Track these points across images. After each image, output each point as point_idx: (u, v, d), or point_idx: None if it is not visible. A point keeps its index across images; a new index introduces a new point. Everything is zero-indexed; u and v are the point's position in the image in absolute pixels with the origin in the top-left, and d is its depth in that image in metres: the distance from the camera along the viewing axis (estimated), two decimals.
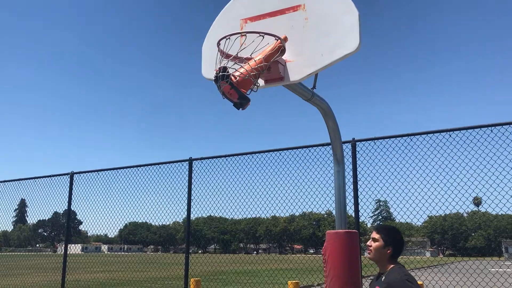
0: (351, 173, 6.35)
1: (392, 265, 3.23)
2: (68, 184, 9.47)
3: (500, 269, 30.98)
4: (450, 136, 6.06)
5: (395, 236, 3.29)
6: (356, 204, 6.16)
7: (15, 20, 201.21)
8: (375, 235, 3.34)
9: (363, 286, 5.67)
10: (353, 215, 6.31)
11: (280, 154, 7.44)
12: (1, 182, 10.89)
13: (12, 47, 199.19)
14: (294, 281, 6.50)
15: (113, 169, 8.99)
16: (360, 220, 6.35)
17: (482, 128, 5.89)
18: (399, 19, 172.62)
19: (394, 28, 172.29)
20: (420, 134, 6.22)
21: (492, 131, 5.84)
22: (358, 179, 6.31)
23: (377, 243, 3.29)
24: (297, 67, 3.61)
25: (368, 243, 3.39)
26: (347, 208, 5.33)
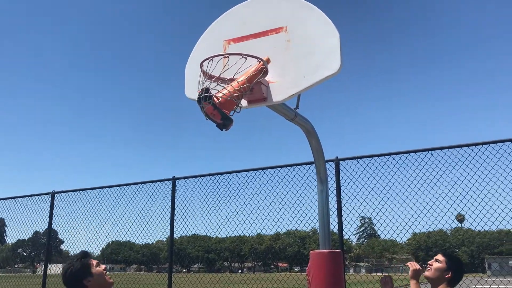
0: (334, 191, 6.38)
1: None
2: (49, 204, 9.32)
3: (483, 286, 31.12)
4: (432, 155, 6.18)
5: (458, 264, 3.44)
6: (340, 223, 6.17)
7: None
8: (440, 257, 3.49)
9: None
10: (338, 234, 6.32)
11: (264, 172, 7.46)
12: None
13: None
14: None
15: (95, 188, 8.89)
16: (344, 238, 6.37)
17: (463, 148, 6.04)
18: (380, 36, 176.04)
19: (377, 47, 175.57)
20: (403, 153, 6.33)
21: (472, 150, 5.98)
22: (342, 197, 6.34)
23: (439, 264, 3.43)
24: (280, 88, 3.65)
25: (430, 262, 3.54)
26: (331, 226, 5.35)
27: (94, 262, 2.97)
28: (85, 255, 2.98)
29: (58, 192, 9.32)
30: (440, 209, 6.45)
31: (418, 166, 6.27)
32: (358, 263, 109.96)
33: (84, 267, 2.89)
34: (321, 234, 4.55)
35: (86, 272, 2.88)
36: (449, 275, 3.34)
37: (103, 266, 2.99)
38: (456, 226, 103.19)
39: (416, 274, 3.54)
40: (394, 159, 6.30)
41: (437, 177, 6.33)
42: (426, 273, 3.46)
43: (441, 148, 6.15)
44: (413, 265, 3.60)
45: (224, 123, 3.22)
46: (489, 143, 5.88)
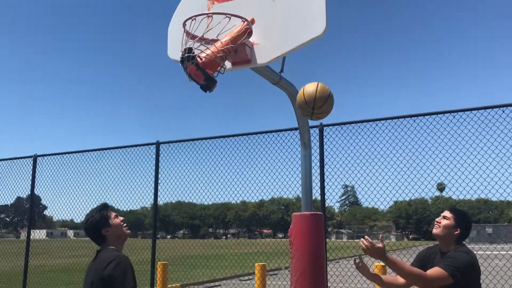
0: (318, 157, 6.43)
1: (456, 246, 3.33)
2: (31, 167, 9.22)
3: None
4: (414, 121, 6.18)
5: (466, 220, 3.40)
6: (323, 188, 6.25)
7: None
8: (447, 214, 3.43)
9: (329, 268, 5.79)
10: (320, 198, 6.40)
11: (249, 138, 7.44)
12: None
13: None
14: (261, 263, 6.58)
15: (79, 152, 8.80)
16: (326, 205, 6.46)
17: (445, 114, 6.00)
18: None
19: (364, 10, 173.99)
20: (386, 119, 6.32)
21: (454, 117, 5.97)
22: (325, 163, 6.39)
23: (447, 221, 3.38)
24: (264, 50, 3.61)
25: (438, 219, 3.47)
26: (314, 192, 5.42)
27: (113, 214, 3.20)
28: (104, 207, 3.20)
29: (40, 156, 9.22)
30: (424, 178, 6.51)
31: (402, 132, 6.28)
32: (340, 230, 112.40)
33: (103, 218, 3.12)
34: (303, 198, 4.62)
35: (105, 223, 3.12)
36: (458, 232, 3.33)
37: (121, 218, 3.22)
38: (436, 194, 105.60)
39: (376, 252, 3.13)
40: (378, 125, 6.32)
41: (418, 143, 6.35)
42: (435, 231, 3.41)
43: (423, 115, 6.14)
44: (364, 242, 3.18)
45: (208, 84, 3.19)
46: (471, 109, 5.82)
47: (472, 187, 6.11)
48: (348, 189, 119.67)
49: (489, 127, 5.80)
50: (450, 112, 5.95)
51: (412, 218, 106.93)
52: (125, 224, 3.24)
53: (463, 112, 5.86)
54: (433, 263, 3.45)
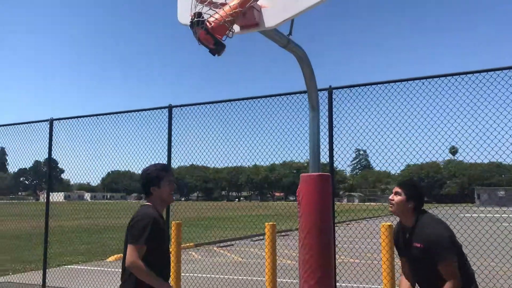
0: (327, 120, 6.49)
1: (417, 216, 3.38)
2: (48, 131, 9.44)
3: (471, 215, 32.43)
4: (430, 83, 6.05)
5: (417, 190, 3.45)
6: (331, 150, 6.36)
7: None
8: (397, 189, 3.48)
9: (337, 228, 5.99)
10: (328, 161, 6.51)
11: (259, 101, 7.48)
12: None
13: None
14: (271, 223, 6.79)
15: (94, 115, 8.96)
16: (338, 169, 6.57)
17: (460, 75, 5.84)
18: None
19: None
20: (397, 81, 6.23)
21: (470, 79, 5.79)
22: (334, 125, 6.46)
23: (399, 197, 3.43)
24: (272, 12, 3.65)
25: (390, 197, 3.52)
26: (323, 154, 5.51)
27: (168, 179, 3.38)
28: (164, 169, 3.41)
29: (56, 119, 9.42)
30: (437, 141, 6.48)
31: (409, 95, 6.22)
32: (352, 193, 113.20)
33: (157, 178, 3.33)
34: (311, 159, 4.74)
35: (156, 182, 3.33)
36: (412, 205, 3.39)
37: (172, 187, 3.42)
38: (448, 158, 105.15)
39: None
40: (387, 87, 6.30)
41: (430, 108, 6.29)
42: (390, 209, 3.46)
43: (435, 77, 5.99)
44: None
45: (217, 48, 3.26)
46: (485, 71, 5.65)
47: (484, 151, 6.04)
48: (361, 152, 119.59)
49: (505, 89, 5.67)
50: (463, 73, 5.79)
51: (423, 181, 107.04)
52: (172, 193, 3.43)
53: (478, 74, 5.70)
54: (398, 242, 3.56)
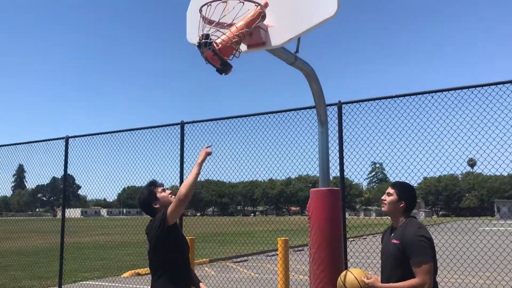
0: (337, 135, 6.50)
1: (405, 219, 3.46)
2: (64, 148, 9.64)
3: (491, 228, 31.83)
4: (446, 96, 5.97)
5: (409, 192, 3.52)
6: (342, 165, 6.36)
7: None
8: (390, 190, 3.57)
9: (349, 243, 5.97)
10: (339, 175, 6.52)
11: (274, 116, 7.51)
12: None
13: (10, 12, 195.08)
14: (283, 238, 6.80)
15: (108, 133, 9.14)
16: (355, 182, 6.54)
17: (477, 88, 5.79)
18: None
19: None
20: (410, 95, 6.18)
21: (486, 91, 5.74)
22: (344, 141, 6.48)
23: (391, 197, 3.52)
24: (278, 32, 3.73)
25: (383, 197, 3.60)
26: (333, 168, 5.52)
27: (160, 188, 3.59)
28: (151, 184, 3.61)
29: (72, 137, 9.61)
30: (452, 155, 6.38)
31: (425, 108, 6.15)
32: (369, 207, 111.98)
33: (151, 193, 3.54)
34: (321, 174, 4.78)
35: (153, 197, 3.53)
36: (403, 205, 3.45)
37: (168, 191, 3.60)
38: (467, 170, 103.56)
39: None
40: (395, 102, 6.30)
41: (446, 121, 6.16)
42: (383, 209, 3.55)
43: (450, 89, 5.94)
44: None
45: (224, 68, 3.35)
46: (502, 83, 5.61)
47: (504, 162, 5.88)
48: (377, 165, 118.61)
49: None
50: (482, 86, 5.74)
51: (441, 195, 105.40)
52: (171, 195, 3.57)
53: (495, 86, 5.65)
54: (383, 240, 3.63)
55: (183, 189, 3.23)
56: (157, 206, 3.53)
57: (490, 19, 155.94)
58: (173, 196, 3.57)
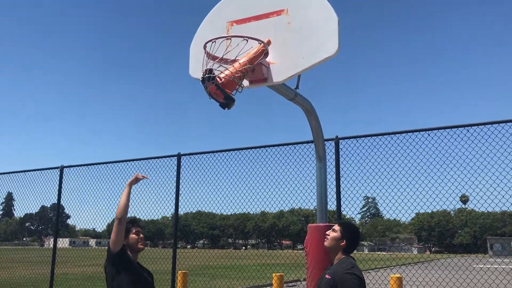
0: (334, 169, 6.55)
1: (342, 256, 3.53)
2: (58, 178, 9.58)
3: (484, 266, 31.58)
4: (441, 134, 6.10)
5: (353, 233, 3.61)
6: (339, 200, 6.38)
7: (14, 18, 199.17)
8: (336, 227, 3.67)
9: None
10: (336, 211, 6.52)
11: (267, 150, 7.61)
12: None
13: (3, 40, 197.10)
14: (278, 274, 6.71)
15: (103, 163, 9.12)
16: (348, 217, 6.56)
17: (468, 127, 5.95)
18: (381, 18, 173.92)
19: (379, 27, 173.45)
20: (406, 132, 6.33)
21: (480, 130, 5.90)
22: (341, 175, 6.52)
23: (334, 234, 3.60)
24: (280, 69, 3.81)
25: (327, 232, 3.69)
26: (331, 204, 5.53)
27: (135, 229, 3.78)
28: (131, 221, 3.82)
29: (66, 167, 9.57)
30: (446, 190, 6.48)
31: (420, 143, 6.32)
32: (361, 242, 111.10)
33: (126, 229, 3.70)
34: (319, 209, 4.77)
35: (125, 233, 3.68)
36: (344, 243, 3.53)
37: (141, 236, 3.80)
38: (460, 207, 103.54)
39: None
40: (392, 138, 6.40)
41: (439, 156, 6.32)
42: (325, 243, 3.64)
43: (444, 128, 6.09)
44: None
45: (227, 102, 3.40)
46: (494, 123, 5.78)
47: (495, 198, 6.01)
48: (369, 200, 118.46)
49: None
50: (473, 125, 5.88)
51: (434, 231, 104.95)
52: (140, 241, 3.77)
53: (484, 126, 5.80)
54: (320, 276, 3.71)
55: (117, 211, 3.48)
56: (126, 243, 3.69)
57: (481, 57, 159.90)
58: (141, 243, 3.77)
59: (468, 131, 6.01)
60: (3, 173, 10.93)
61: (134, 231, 3.75)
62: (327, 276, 3.47)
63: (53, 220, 10.53)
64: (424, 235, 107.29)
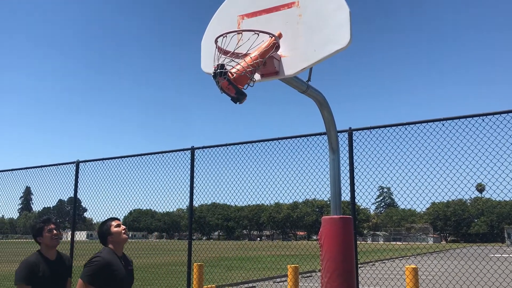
0: (348, 161, 6.54)
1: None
2: (74, 173, 9.71)
3: (501, 255, 31.26)
4: (456, 124, 6.05)
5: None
6: (353, 191, 6.36)
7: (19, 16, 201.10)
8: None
9: (360, 271, 5.90)
10: (350, 201, 6.50)
11: (280, 143, 7.61)
12: (9, 170, 11.15)
13: (16, 37, 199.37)
14: (293, 265, 6.74)
15: (118, 157, 9.21)
16: (362, 207, 6.55)
17: (483, 116, 5.88)
18: (393, 10, 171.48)
19: (393, 18, 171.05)
20: (415, 123, 6.31)
21: (495, 119, 5.84)
22: (354, 166, 6.50)
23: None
24: (291, 62, 3.80)
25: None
26: (345, 195, 5.53)
27: (115, 223, 4.02)
28: (109, 219, 4.08)
29: (82, 161, 9.70)
30: (460, 180, 6.43)
31: (436, 135, 6.27)
32: (376, 232, 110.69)
33: (107, 227, 3.99)
34: (333, 201, 4.76)
35: (108, 231, 3.97)
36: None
37: (122, 227, 4.02)
38: (475, 195, 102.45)
39: None
40: (406, 129, 6.35)
41: (454, 146, 6.27)
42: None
43: (458, 118, 6.02)
44: None
45: (238, 97, 3.40)
46: (510, 111, 5.73)
47: (511, 188, 5.97)
48: (384, 190, 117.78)
49: None
50: (491, 114, 5.83)
51: (450, 220, 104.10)
52: (124, 231, 4.02)
53: (506, 114, 5.72)
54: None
55: None
56: (111, 239, 3.94)
57: (498, 47, 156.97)
58: (125, 233, 4.00)
59: (483, 120, 5.94)
60: (22, 169, 11.12)
61: (115, 224, 4.00)
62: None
63: (70, 213, 10.70)
64: (440, 225, 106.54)
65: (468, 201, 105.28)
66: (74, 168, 9.75)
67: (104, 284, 3.69)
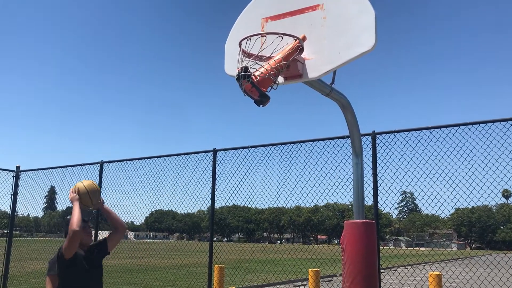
0: (371, 165, 6.46)
1: None
2: (98, 173, 9.87)
3: None
4: (484, 128, 5.95)
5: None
6: (376, 195, 6.29)
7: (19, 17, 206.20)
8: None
9: (382, 276, 5.82)
10: (373, 206, 6.43)
11: (301, 146, 7.58)
12: (35, 170, 11.39)
13: (38, 38, 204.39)
14: (314, 269, 6.69)
15: (141, 158, 9.32)
16: (384, 211, 6.47)
17: (511, 121, 5.76)
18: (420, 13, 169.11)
19: (419, 20, 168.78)
20: (441, 127, 6.20)
21: None
22: (378, 171, 6.42)
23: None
24: (315, 64, 3.78)
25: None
26: (368, 199, 5.46)
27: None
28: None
29: (106, 162, 9.84)
30: (487, 185, 6.30)
31: (461, 139, 6.15)
32: (399, 237, 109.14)
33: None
34: (355, 205, 4.72)
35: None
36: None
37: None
38: (501, 202, 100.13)
39: None
40: (431, 133, 6.24)
41: (481, 151, 6.15)
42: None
43: (485, 122, 5.90)
44: None
45: (261, 100, 3.40)
46: None
47: None
48: (407, 195, 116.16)
49: None
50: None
51: (475, 226, 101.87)
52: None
53: None
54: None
55: (74, 224, 3.71)
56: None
57: None
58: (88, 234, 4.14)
59: (511, 125, 5.80)
60: (47, 168, 11.35)
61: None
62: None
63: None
64: (464, 231, 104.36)
65: (494, 207, 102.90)
66: (98, 168, 9.90)
67: None
